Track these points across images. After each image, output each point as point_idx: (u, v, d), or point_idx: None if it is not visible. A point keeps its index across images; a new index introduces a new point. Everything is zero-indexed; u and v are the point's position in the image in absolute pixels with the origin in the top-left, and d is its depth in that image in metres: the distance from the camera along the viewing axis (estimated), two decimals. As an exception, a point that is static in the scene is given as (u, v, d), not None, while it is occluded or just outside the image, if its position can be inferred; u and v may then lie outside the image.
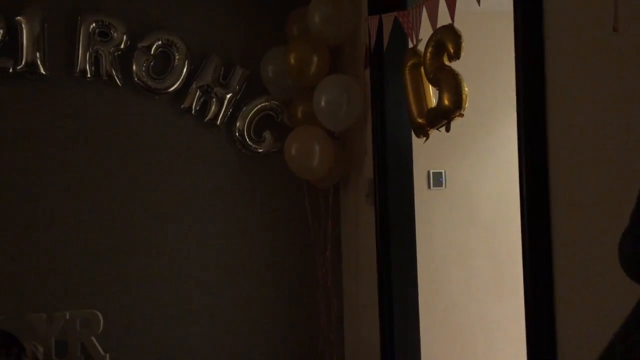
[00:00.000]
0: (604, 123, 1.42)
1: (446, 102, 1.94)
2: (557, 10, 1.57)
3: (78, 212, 3.05)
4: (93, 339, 2.49)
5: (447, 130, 2.01)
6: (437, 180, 3.14)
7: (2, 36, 2.93)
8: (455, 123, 2.05)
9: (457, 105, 1.92)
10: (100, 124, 3.10)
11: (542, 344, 1.65)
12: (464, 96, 1.92)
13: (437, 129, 2.07)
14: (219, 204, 3.22)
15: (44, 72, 2.99)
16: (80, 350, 2.48)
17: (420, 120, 2.14)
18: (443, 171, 3.15)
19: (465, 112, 1.98)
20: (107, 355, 2.50)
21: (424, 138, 2.16)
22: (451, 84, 1.93)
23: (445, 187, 3.15)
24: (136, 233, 3.11)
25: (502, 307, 3.12)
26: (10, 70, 2.95)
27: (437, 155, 3.10)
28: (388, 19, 2.31)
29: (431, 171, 3.14)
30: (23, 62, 2.95)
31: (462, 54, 1.98)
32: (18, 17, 2.92)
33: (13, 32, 2.93)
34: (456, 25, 1.97)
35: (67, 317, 2.48)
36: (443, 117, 1.99)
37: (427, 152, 2.97)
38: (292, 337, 3.26)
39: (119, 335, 2.93)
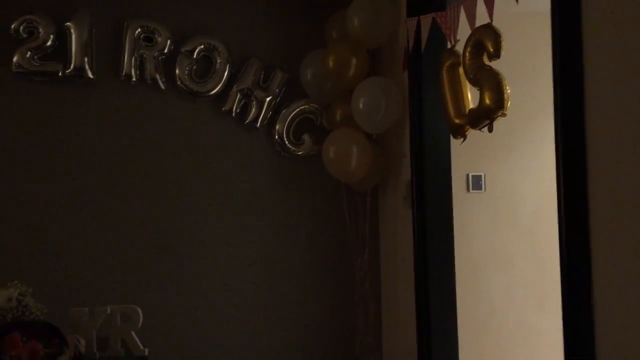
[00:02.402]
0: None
1: (488, 101, 1.93)
2: (595, 9, 1.54)
3: (123, 211, 3.13)
4: (133, 333, 2.55)
5: (490, 130, 1.99)
6: (476, 183, 3.11)
7: (53, 41, 3.04)
8: (496, 125, 2.03)
9: (499, 104, 1.90)
10: (144, 127, 3.18)
11: (580, 352, 1.62)
12: (505, 95, 1.90)
13: (480, 130, 2.05)
14: (258, 205, 3.25)
15: (91, 76, 3.08)
16: (121, 344, 2.55)
17: (457, 121, 2.13)
18: (482, 174, 3.11)
19: (507, 113, 1.96)
20: (146, 350, 2.55)
21: (461, 139, 2.15)
22: (492, 84, 1.91)
23: (485, 190, 3.11)
24: (178, 232, 3.17)
25: (543, 313, 3.05)
26: (60, 74, 3.05)
27: (477, 158, 3.07)
28: (426, 21, 2.31)
29: (470, 174, 3.11)
30: (72, 66, 3.05)
31: (502, 53, 1.96)
32: (67, 23, 3.03)
33: (62, 37, 3.04)
34: (495, 25, 1.95)
35: (108, 311, 2.55)
36: (485, 117, 1.98)
37: (466, 155, 2.94)
38: (329, 340, 3.26)
39: (158, 331, 2.99)
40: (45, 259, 3.04)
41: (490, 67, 1.95)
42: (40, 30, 3.01)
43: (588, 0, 1.57)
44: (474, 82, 2.01)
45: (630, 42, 1.42)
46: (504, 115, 1.91)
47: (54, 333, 2.27)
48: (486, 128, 1.98)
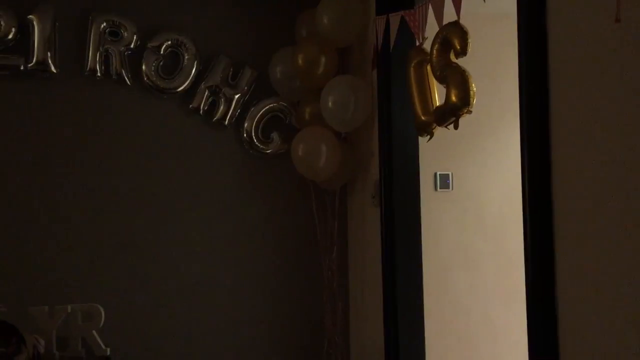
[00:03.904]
0: (607, 122, 1.41)
1: (454, 98, 1.94)
2: (560, 11, 1.56)
3: (83, 208, 3.06)
4: (94, 332, 2.49)
5: (456, 127, 2.00)
6: (444, 182, 3.13)
7: (14, 34, 2.96)
8: (463, 125, 2.05)
9: (465, 102, 1.91)
10: (109, 122, 3.12)
11: (544, 349, 1.64)
12: (471, 93, 1.91)
13: (446, 127, 2.06)
14: (225, 203, 3.22)
15: (54, 71, 3.01)
16: (82, 343, 2.48)
17: (424, 119, 2.13)
18: (450, 173, 3.13)
19: (473, 110, 1.97)
20: (108, 349, 2.50)
21: (428, 137, 2.15)
22: (458, 81, 1.92)
23: (452, 189, 3.13)
24: (141, 230, 3.12)
25: (508, 311, 3.09)
26: (22, 68, 2.98)
27: (444, 157, 3.09)
28: (395, 19, 2.32)
29: (438, 173, 3.13)
30: (34, 60, 2.97)
31: (470, 52, 1.98)
32: (30, 16, 2.95)
33: (25, 30, 2.96)
34: (464, 25, 1.96)
35: (69, 310, 2.49)
36: (451, 114, 1.99)
37: (434, 154, 2.96)
38: (297, 339, 3.24)
39: (120, 329, 2.94)
40: (3, 256, 2.96)
41: (457, 64, 1.96)
42: (2, 22, 2.94)
43: (553, 2, 1.59)
44: (440, 80, 2.02)
45: (593, 44, 1.44)
46: (469, 112, 1.92)
47: (11, 332, 2.21)
48: (452, 125, 1.98)
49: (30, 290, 2.92)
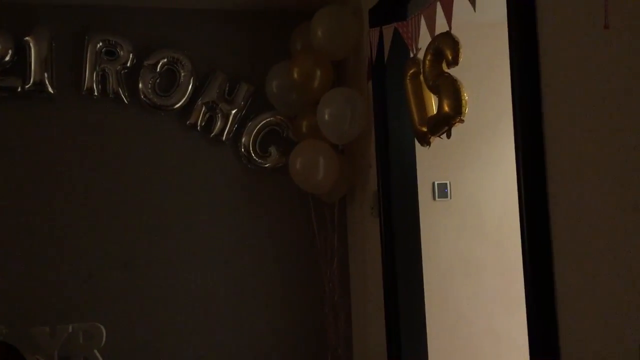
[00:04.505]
0: (599, 127, 1.42)
1: (446, 108, 1.95)
2: (550, 19, 1.58)
3: (83, 226, 3.07)
4: (96, 352, 2.49)
5: (448, 136, 2.01)
6: (442, 191, 3.14)
7: (11, 56, 2.98)
8: (460, 134, 2.05)
9: (457, 111, 1.92)
10: (107, 141, 3.14)
11: (545, 356, 1.63)
12: (463, 102, 1.92)
13: (439, 136, 2.07)
14: (224, 218, 3.23)
15: (51, 91, 3.04)
16: (83, 363, 2.49)
17: (422, 129, 2.14)
18: (448, 182, 3.14)
19: (465, 119, 1.98)
20: (110, 368, 2.51)
21: (427, 146, 2.16)
22: (450, 90, 1.93)
23: (451, 198, 3.14)
24: (141, 247, 3.12)
25: (509, 318, 3.08)
26: (19, 90, 3.00)
27: (442, 166, 3.11)
28: (388, 31, 2.33)
29: (436, 182, 3.14)
30: (31, 82, 3.00)
31: (464, 62, 1.99)
32: (26, 38, 2.98)
33: (22, 52, 2.99)
34: (458, 36, 1.98)
35: (70, 330, 2.48)
36: (444, 123, 2.00)
37: (431, 164, 2.97)
38: (299, 352, 3.23)
39: (121, 348, 2.93)
40: (3, 277, 2.96)
41: (449, 74, 1.97)
42: (-2, 44, 2.96)
43: (543, 10, 1.60)
44: (433, 90, 2.03)
45: (583, 50, 1.45)
46: (461, 121, 1.93)
47: (12, 353, 2.20)
48: (445, 134, 2.00)
49: (31, 310, 2.93)
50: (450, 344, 3.08)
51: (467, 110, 1.90)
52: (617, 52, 1.34)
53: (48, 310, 2.94)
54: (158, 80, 3.14)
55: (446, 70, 1.98)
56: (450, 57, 1.91)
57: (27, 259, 3.00)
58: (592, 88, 1.43)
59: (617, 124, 1.35)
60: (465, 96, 1.90)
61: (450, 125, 1.94)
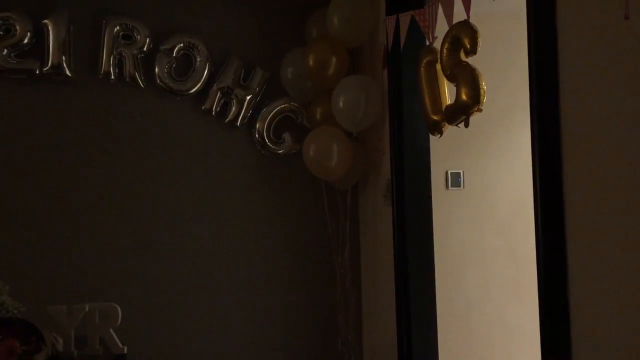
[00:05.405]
0: (617, 118, 1.41)
1: (464, 97, 1.94)
2: (569, 8, 1.57)
3: (100, 208, 3.11)
4: (111, 331, 2.53)
5: (466, 125, 2.01)
6: (455, 180, 3.14)
7: (30, 39, 3.01)
8: (475, 123, 2.05)
9: (475, 100, 1.92)
10: (123, 124, 3.16)
11: (557, 345, 1.64)
12: (481, 91, 1.92)
13: (456, 125, 2.07)
14: (238, 204, 3.25)
15: (69, 74, 3.06)
16: (99, 342, 2.52)
17: (434, 117, 2.14)
18: (461, 171, 3.14)
19: (483, 108, 1.98)
20: (125, 347, 2.53)
21: (438, 135, 2.17)
22: (469, 79, 1.93)
23: (464, 187, 3.14)
24: (156, 230, 3.16)
25: (521, 308, 3.09)
26: (37, 72, 3.03)
27: (456, 155, 3.10)
28: (405, 18, 2.33)
29: (449, 171, 3.14)
30: (49, 64, 3.02)
31: (480, 51, 1.98)
32: (45, 20, 3.00)
33: (40, 34, 3.01)
34: (473, 23, 1.97)
35: (87, 309, 2.52)
36: (461, 112, 1.99)
37: (445, 153, 2.97)
38: (310, 338, 3.27)
39: (137, 328, 2.98)
40: (22, 256, 3.02)
41: (467, 62, 1.97)
42: (17, 27, 2.99)
43: (562, 0, 1.59)
44: (450, 78, 2.03)
45: (602, 41, 1.45)
46: (479, 110, 1.92)
47: (31, 331, 2.25)
48: (462, 123, 1.99)
49: (48, 290, 2.98)
50: (461, 332, 3.10)
51: (485, 99, 1.90)
52: (637, 42, 1.34)
53: (65, 290, 2.99)
54: (174, 65, 3.16)
55: (464, 59, 1.97)
56: (468, 46, 1.91)
57: (45, 239, 3.05)
58: (610, 77, 1.43)
59: (637, 112, 1.35)
60: (484, 85, 1.90)
61: (469, 115, 1.94)
